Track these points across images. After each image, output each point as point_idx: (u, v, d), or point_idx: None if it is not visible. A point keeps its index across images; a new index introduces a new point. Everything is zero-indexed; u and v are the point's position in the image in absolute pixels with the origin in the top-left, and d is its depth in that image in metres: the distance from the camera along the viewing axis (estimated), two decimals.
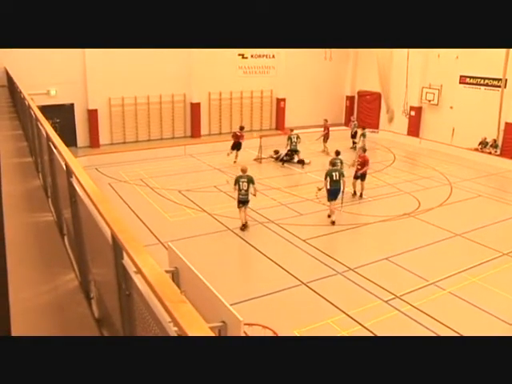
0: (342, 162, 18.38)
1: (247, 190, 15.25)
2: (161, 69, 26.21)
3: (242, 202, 15.43)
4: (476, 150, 26.88)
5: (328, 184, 16.30)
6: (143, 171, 21.83)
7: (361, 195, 19.16)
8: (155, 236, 14.69)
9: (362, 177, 18.92)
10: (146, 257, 2.46)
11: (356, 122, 29.30)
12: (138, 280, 2.54)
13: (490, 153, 26.09)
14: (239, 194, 15.33)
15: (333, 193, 16.38)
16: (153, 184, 20.01)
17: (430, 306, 11.50)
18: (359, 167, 18.72)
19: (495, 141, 26.21)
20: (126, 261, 2.72)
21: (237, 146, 23.49)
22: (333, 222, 16.35)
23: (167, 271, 5.40)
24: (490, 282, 12.84)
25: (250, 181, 15.31)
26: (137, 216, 16.35)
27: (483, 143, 26.61)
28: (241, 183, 15.25)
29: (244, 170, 15.61)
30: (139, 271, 2.37)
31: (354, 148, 26.84)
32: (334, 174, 16.38)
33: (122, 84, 25.43)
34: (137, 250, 2.53)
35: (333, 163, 17.54)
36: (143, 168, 22.29)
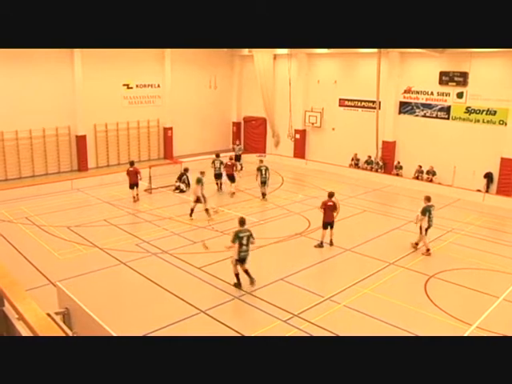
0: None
1: None
2: (42, 101, 25.24)
3: None
4: (356, 167, 28.46)
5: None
6: (28, 209, 20.78)
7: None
8: (45, 276, 14.00)
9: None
10: (29, 301, 2.38)
11: (241, 146, 30.88)
12: (20, 327, 2.44)
13: (376, 170, 27.61)
14: None
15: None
16: (40, 222, 19.10)
17: (328, 320, 11.88)
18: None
19: (370, 157, 28.14)
20: (7, 308, 2.60)
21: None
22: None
23: (57, 313, 5.16)
24: (380, 291, 13.53)
25: None
26: (24, 257, 15.51)
27: (368, 162, 28.23)
28: None
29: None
30: (21, 318, 2.28)
31: (241, 169, 28.55)
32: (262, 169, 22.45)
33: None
34: (18, 295, 2.44)
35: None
36: (28, 206, 21.24)
